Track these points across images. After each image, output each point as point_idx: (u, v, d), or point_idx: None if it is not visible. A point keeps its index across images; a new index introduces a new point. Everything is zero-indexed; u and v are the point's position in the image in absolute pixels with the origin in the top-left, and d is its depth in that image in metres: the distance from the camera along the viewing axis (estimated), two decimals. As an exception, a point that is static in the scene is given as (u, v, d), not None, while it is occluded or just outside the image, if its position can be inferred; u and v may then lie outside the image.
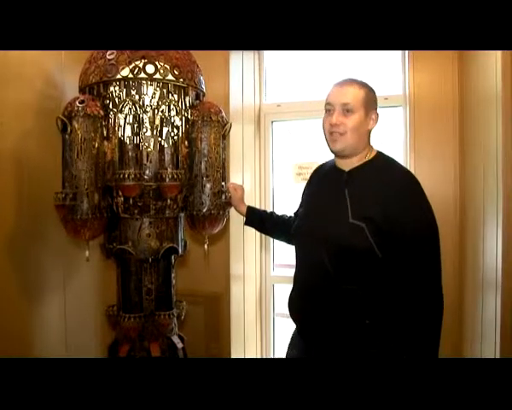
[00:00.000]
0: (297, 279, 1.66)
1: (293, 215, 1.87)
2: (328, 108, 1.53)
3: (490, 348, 1.87)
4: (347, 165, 1.55)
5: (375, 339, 1.44)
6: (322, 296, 1.50)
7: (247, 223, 1.97)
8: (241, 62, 2.81)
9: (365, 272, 1.44)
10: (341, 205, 1.48)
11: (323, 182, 1.66)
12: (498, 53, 1.78)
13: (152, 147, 1.65)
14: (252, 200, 2.88)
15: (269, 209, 2.98)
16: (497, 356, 1.78)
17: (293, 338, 1.73)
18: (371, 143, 1.58)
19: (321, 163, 1.78)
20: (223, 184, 1.80)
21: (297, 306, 1.63)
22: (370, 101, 1.52)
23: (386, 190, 1.43)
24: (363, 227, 1.40)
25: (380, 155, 1.56)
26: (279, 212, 1.98)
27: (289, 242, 1.87)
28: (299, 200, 1.83)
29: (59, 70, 2.00)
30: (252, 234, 2.89)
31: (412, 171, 2.45)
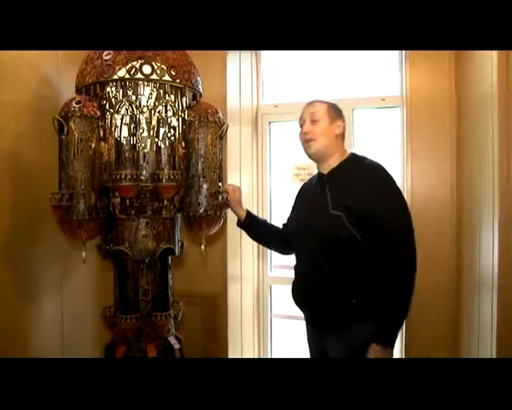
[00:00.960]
0: (295, 272, 1.87)
1: (282, 225, 2.05)
2: (301, 123, 1.83)
3: (486, 348, 1.87)
4: (326, 168, 1.79)
5: (360, 315, 1.64)
6: (315, 282, 1.72)
7: (241, 225, 2.01)
8: (238, 63, 2.81)
9: (349, 257, 1.65)
10: (323, 201, 1.71)
11: (309, 188, 1.92)
12: (494, 53, 1.79)
13: (149, 147, 1.65)
14: (249, 200, 2.88)
15: (266, 210, 2.99)
16: (494, 355, 1.79)
17: (306, 327, 1.94)
18: (345, 147, 1.83)
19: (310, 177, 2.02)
20: (220, 184, 1.79)
21: (297, 293, 1.84)
22: (333, 111, 1.79)
23: (359, 181, 1.66)
24: (342, 216, 1.63)
25: (353, 155, 1.81)
26: (275, 215, 2.04)
27: (281, 251, 2.08)
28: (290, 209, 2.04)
29: (55, 70, 2.00)
30: (249, 235, 2.89)
31: (409, 171, 2.49)
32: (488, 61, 1.85)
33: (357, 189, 1.65)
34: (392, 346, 1.60)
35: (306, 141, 1.78)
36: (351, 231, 1.61)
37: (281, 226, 2.05)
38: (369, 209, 1.60)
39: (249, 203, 2.85)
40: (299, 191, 2.02)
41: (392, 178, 1.68)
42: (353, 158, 1.79)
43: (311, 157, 1.83)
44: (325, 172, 1.79)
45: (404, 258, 1.61)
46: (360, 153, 1.84)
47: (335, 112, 1.79)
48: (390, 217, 1.62)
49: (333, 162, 1.78)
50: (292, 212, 2.00)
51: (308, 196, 1.89)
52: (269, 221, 2.20)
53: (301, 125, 1.82)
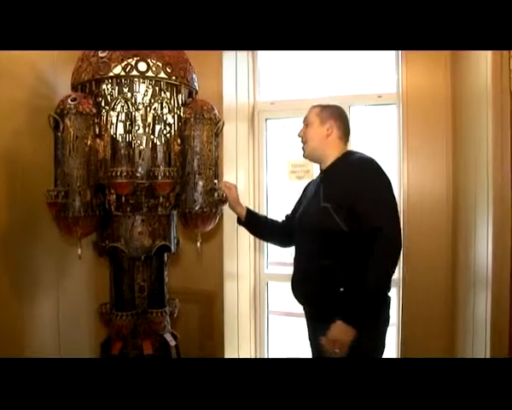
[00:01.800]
0: (294, 264, 1.92)
1: (284, 218, 2.11)
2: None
3: (480, 345, 1.88)
4: (324, 166, 1.87)
5: (347, 302, 1.64)
6: (309, 275, 1.79)
7: (242, 223, 2.02)
8: (234, 60, 2.81)
9: (337, 248, 1.70)
10: (317, 196, 1.80)
11: (311, 185, 2.00)
12: (489, 52, 1.79)
13: (144, 145, 1.65)
14: (246, 198, 2.88)
15: (262, 207, 2.99)
16: (488, 352, 1.80)
17: (306, 324, 1.98)
18: (343, 145, 1.87)
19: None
20: (215, 181, 1.80)
21: (295, 287, 1.88)
22: (325, 113, 1.84)
23: (346, 173, 1.75)
24: (328, 207, 1.71)
25: (348, 152, 1.86)
26: (272, 212, 2.07)
27: (282, 245, 2.13)
28: (293, 200, 2.13)
29: (51, 68, 1.99)
30: (245, 232, 2.89)
31: (405, 168, 2.50)
32: (483, 59, 1.85)
33: (342, 181, 1.73)
34: (355, 328, 1.59)
35: (301, 143, 1.90)
36: (336, 222, 1.67)
37: (280, 220, 2.11)
38: (352, 198, 1.66)
39: (246, 200, 2.85)
40: (304, 189, 2.10)
41: (379, 170, 1.73)
42: (347, 154, 1.84)
43: (306, 158, 1.94)
44: (323, 169, 1.88)
45: (385, 245, 1.62)
46: (357, 149, 1.89)
47: (327, 114, 1.84)
48: (371, 206, 1.65)
49: (329, 160, 1.85)
50: (294, 208, 2.09)
51: (308, 192, 1.99)
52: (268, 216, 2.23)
53: None
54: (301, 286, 1.85)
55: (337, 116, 1.86)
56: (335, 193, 1.73)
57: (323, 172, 1.87)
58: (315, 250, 1.77)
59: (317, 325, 1.83)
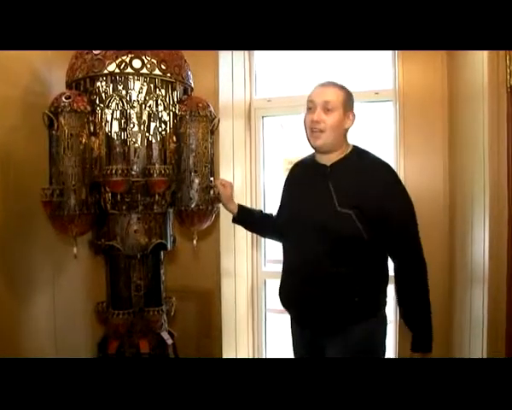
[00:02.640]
0: (288, 268, 1.76)
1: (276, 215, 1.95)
2: (310, 106, 1.64)
3: (477, 342, 1.88)
4: (328, 160, 1.67)
5: (362, 314, 1.61)
6: (316, 281, 1.62)
7: (236, 221, 1.97)
8: (230, 57, 2.80)
9: (354, 255, 1.59)
10: (326, 196, 1.61)
11: (305, 176, 1.77)
12: (485, 51, 1.79)
13: (139, 142, 1.64)
14: (242, 195, 2.88)
15: (259, 204, 2.99)
16: (485, 349, 1.80)
17: (291, 326, 1.85)
18: (348, 140, 1.70)
19: (299, 159, 1.88)
20: (211, 179, 1.79)
21: (291, 294, 1.72)
22: (348, 101, 1.64)
23: (367, 180, 1.58)
24: (351, 214, 1.54)
25: (355, 149, 1.70)
26: (268, 210, 2.02)
27: (278, 239, 1.94)
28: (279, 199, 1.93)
29: (46, 65, 1.98)
30: (243, 229, 2.88)
31: (402, 165, 2.49)
32: (480, 56, 1.85)
33: (366, 188, 1.56)
34: (430, 350, 1.60)
35: (314, 130, 1.62)
36: (359, 230, 1.54)
37: (274, 214, 1.98)
38: (378, 211, 1.54)
39: (242, 198, 2.85)
40: (290, 177, 1.88)
41: (399, 179, 1.66)
42: (357, 152, 1.68)
43: (314, 148, 1.69)
44: (327, 163, 1.66)
45: (416, 259, 1.60)
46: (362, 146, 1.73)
47: (350, 102, 1.64)
48: (401, 218, 1.59)
49: (336, 155, 1.66)
50: (284, 201, 1.88)
51: (305, 185, 1.73)
52: (263, 211, 2.13)
53: (309, 108, 1.65)
54: (303, 293, 1.66)
55: (353, 107, 1.67)
56: (359, 199, 1.55)
57: (330, 168, 1.65)
58: (326, 256, 1.59)
59: (315, 332, 1.71)
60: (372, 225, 1.55)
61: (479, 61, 1.87)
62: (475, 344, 1.93)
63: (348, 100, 1.63)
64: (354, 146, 1.70)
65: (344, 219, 1.55)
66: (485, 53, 1.79)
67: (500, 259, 1.74)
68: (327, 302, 1.61)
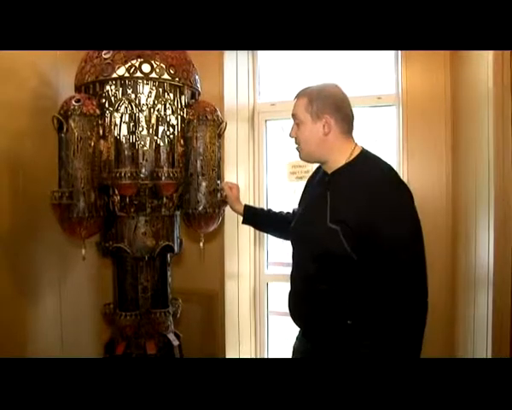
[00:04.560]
0: (291, 276, 1.70)
1: (291, 212, 1.89)
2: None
3: (481, 346, 1.89)
4: (329, 168, 1.55)
5: (355, 337, 1.43)
6: (307, 296, 1.54)
7: (244, 221, 1.98)
8: (235, 61, 2.82)
9: (341, 274, 1.45)
10: (323, 208, 1.48)
11: (315, 184, 1.68)
12: (490, 52, 1.79)
13: (148, 146, 1.66)
14: (246, 198, 2.89)
15: (263, 207, 2.99)
16: (489, 353, 1.81)
17: (297, 337, 1.73)
18: (355, 142, 1.55)
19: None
20: (218, 182, 1.81)
21: (291, 304, 1.67)
22: (316, 105, 1.49)
23: (361, 194, 1.40)
24: (338, 230, 1.40)
25: (362, 154, 1.52)
26: (276, 209, 2.00)
27: (287, 238, 1.85)
28: (293, 201, 1.89)
29: (54, 69, 2.00)
30: (246, 232, 2.91)
31: (405, 170, 2.50)
32: (484, 59, 1.86)
33: (358, 202, 1.39)
34: None
35: (295, 145, 1.60)
36: (345, 249, 1.38)
37: (284, 212, 1.93)
38: (369, 230, 1.35)
39: (246, 201, 2.84)
40: (308, 181, 1.78)
41: (403, 189, 1.44)
42: (362, 159, 1.51)
43: (305, 161, 1.65)
44: (329, 171, 1.55)
45: (412, 295, 1.36)
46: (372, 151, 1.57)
47: (319, 106, 1.48)
48: (396, 242, 1.35)
49: (338, 161, 1.51)
50: (299, 204, 1.78)
51: (311, 194, 1.67)
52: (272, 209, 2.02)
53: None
54: (299, 307, 1.60)
55: (332, 106, 1.48)
56: (347, 214, 1.39)
57: (330, 176, 1.53)
58: (316, 271, 1.49)
59: (312, 346, 1.58)
60: (362, 245, 1.38)
61: (483, 64, 1.87)
62: (479, 347, 1.94)
63: (313, 105, 1.49)
64: (362, 151, 1.52)
65: (331, 235, 1.41)
66: (489, 54, 1.79)
67: (505, 261, 1.74)
68: (319, 320, 1.51)
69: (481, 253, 1.94)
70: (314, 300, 1.51)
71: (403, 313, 1.35)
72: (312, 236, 1.51)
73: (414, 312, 1.36)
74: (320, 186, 1.58)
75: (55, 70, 2.01)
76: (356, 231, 1.37)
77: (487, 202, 1.84)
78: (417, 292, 1.37)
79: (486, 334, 1.83)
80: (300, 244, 1.60)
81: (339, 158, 1.51)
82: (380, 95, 2.75)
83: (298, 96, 1.55)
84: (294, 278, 1.65)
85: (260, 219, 1.98)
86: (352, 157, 1.50)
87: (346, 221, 1.39)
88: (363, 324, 1.42)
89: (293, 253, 1.68)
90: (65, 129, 1.58)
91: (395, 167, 1.54)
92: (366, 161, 1.50)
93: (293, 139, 1.58)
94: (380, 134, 2.78)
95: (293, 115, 1.54)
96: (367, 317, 1.41)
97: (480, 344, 1.94)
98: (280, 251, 3.12)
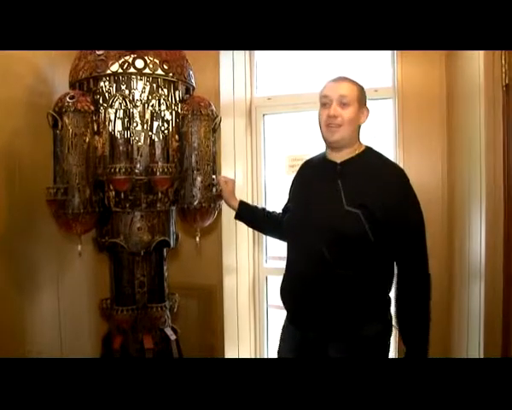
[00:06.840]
0: (291, 269, 1.72)
1: (281, 212, 1.93)
2: (325, 102, 1.61)
3: (475, 338, 1.90)
4: (339, 157, 1.64)
5: (368, 317, 1.58)
6: (320, 283, 1.58)
7: (237, 217, 1.99)
8: (231, 56, 2.82)
9: (359, 257, 1.56)
10: (335, 194, 1.57)
11: (315, 174, 1.74)
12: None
13: (142, 141, 1.67)
14: (244, 193, 2.90)
15: (261, 202, 3.00)
16: (481, 344, 1.82)
17: (284, 331, 1.80)
18: (360, 139, 1.69)
19: (309, 158, 1.85)
20: (213, 177, 1.81)
21: (293, 295, 1.69)
22: (362, 97, 1.63)
23: (379, 181, 1.55)
24: (359, 213, 1.51)
25: (369, 149, 1.67)
26: (270, 208, 2.02)
27: (280, 237, 1.94)
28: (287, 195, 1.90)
29: (49, 66, 2.00)
30: (244, 226, 2.89)
31: (400, 162, 2.50)
32: (476, 54, 1.86)
33: (376, 188, 1.53)
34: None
35: (330, 125, 1.59)
36: (365, 230, 1.51)
37: (277, 212, 1.96)
38: (387, 213, 1.51)
39: (244, 195, 2.86)
40: (300, 175, 1.84)
41: (410, 183, 1.60)
42: (370, 153, 1.66)
43: (330, 144, 1.65)
44: (338, 160, 1.63)
45: (421, 270, 1.57)
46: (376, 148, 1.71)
47: (363, 97, 1.64)
48: (411, 225, 1.56)
49: (347, 153, 1.63)
50: (291, 198, 1.84)
51: (314, 183, 1.70)
52: (266, 208, 2.07)
53: (324, 104, 1.62)
54: (307, 295, 1.61)
55: (366, 102, 1.67)
56: (367, 199, 1.52)
57: (341, 165, 1.62)
58: (331, 257, 1.55)
59: (318, 342, 1.64)
60: (379, 227, 1.52)
61: (476, 59, 1.88)
62: (473, 337, 1.95)
63: (362, 95, 1.62)
64: (368, 146, 1.68)
65: (351, 219, 1.51)
66: (481, 52, 1.81)
67: (496, 253, 1.76)
68: (331, 305, 1.57)
69: (475, 244, 1.94)
70: (330, 285, 1.57)
71: (418, 288, 1.56)
72: (327, 220, 1.57)
73: (427, 286, 1.57)
74: (327, 175, 1.64)
75: (51, 67, 2.01)
76: (375, 213, 1.51)
77: (479, 194, 1.85)
78: (426, 267, 1.58)
79: (479, 325, 1.85)
80: (311, 230, 1.60)
81: (352, 149, 1.64)
82: (376, 88, 2.74)
83: (345, 80, 1.62)
84: (298, 266, 1.67)
85: (255, 217, 1.99)
86: (361, 150, 1.65)
87: (366, 205, 1.51)
88: (374, 302, 1.59)
89: (297, 242, 1.70)
90: (59, 125, 1.58)
91: (391, 159, 1.69)
92: (375, 154, 1.67)
93: (329, 119, 1.59)
94: (377, 127, 2.77)
95: (343, 96, 1.58)
96: (377, 296, 1.60)
97: (473, 334, 1.94)
98: (279, 245, 3.12)
